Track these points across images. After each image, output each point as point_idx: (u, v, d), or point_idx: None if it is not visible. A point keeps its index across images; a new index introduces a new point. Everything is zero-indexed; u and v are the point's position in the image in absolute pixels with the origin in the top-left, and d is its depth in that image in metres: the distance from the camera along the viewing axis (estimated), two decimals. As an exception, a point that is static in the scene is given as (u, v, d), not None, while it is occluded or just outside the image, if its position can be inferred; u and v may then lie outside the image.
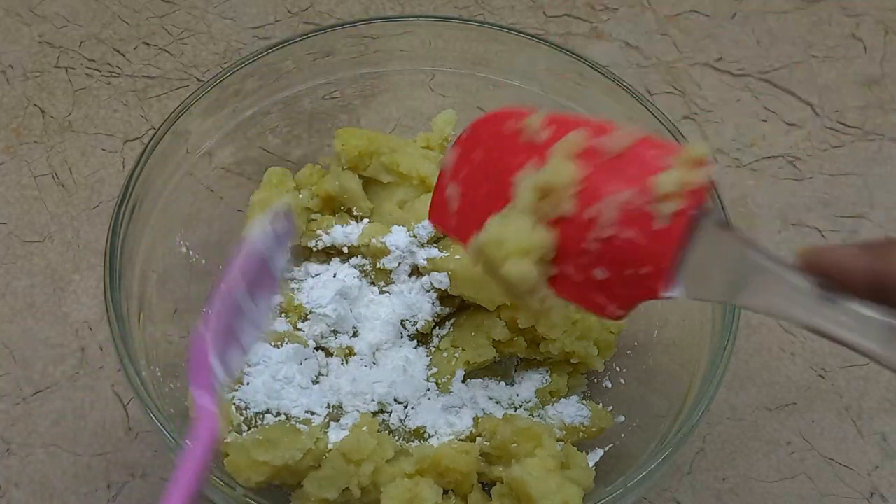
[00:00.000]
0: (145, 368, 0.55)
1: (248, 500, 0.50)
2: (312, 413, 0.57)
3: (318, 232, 0.62)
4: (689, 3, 0.83)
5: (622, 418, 0.61)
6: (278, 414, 0.57)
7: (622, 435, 0.60)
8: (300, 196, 0.63)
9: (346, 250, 0.62)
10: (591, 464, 0.58)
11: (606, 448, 0.60)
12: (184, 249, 0.62)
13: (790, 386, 0.67)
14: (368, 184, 0.64)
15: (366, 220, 0.63)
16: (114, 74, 0.78)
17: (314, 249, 0.63)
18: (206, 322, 0.47)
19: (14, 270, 0.70)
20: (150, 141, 0.58)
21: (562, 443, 0.58)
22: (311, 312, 0.61)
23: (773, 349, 0.68)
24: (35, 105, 0.77)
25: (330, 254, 0.63)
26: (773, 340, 0.69)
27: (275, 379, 0.57)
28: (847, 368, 0.68)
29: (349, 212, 0.63)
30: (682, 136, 0.59)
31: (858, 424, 0.66)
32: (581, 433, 0.59)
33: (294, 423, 0.56)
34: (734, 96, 0.78)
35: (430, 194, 0.50)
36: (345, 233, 0.62)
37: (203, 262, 0.63)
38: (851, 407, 0.67)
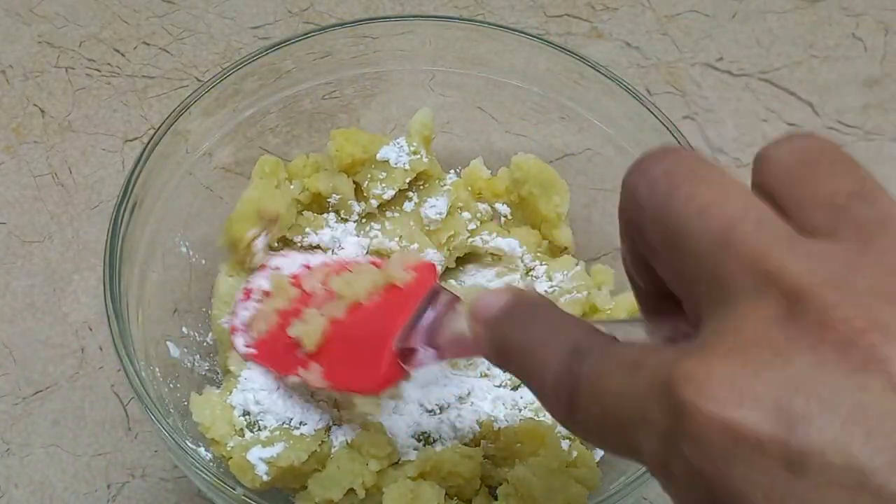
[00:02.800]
0: (145, 368, 0.55)
1: (249, 500, 0.50)
2: (315, 419, 0.57)
3: (307, 230, 0.62)
4: (689, 3, 0.83)
5: None
6: (280, 418, 0.57)
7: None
8: (291, 187, 0.62)
9: (331, 252, 0.63)
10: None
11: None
12: (184, 249, 0.62)
13: (790, 386, 0.67)
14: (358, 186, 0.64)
15: (352, 224, 0.63)
16: (114, 74, 0.78)
17: (298, 245, 0.63)
18: None
19: (14, 270, 0.70)
20: (149, 141, 0.58)
21: (568, 441, 0.58)
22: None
23: (773, 349, 0.68)
24: (35, 105, 0.77)
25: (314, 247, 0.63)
26: (773, 340, 0.68)
27: (277, 385, 0.57)
28: (847, 368, 0.68)
29: (337, 212, 0.63)
30: (683, 136, 0.59)
31: (858, 424, 0.66)
32: None
33: (297, 427, 0.56)
34: (734, 96, 0.78)
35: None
36: (333, 236, 0.62)
37: (203, 262, 0.63)
38: (851, 407, 0.67)
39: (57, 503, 0.62)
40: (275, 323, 0.57)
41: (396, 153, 0.62)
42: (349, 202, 0.62)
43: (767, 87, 0.79)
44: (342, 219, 0.63)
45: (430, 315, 0.48)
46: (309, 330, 0.54)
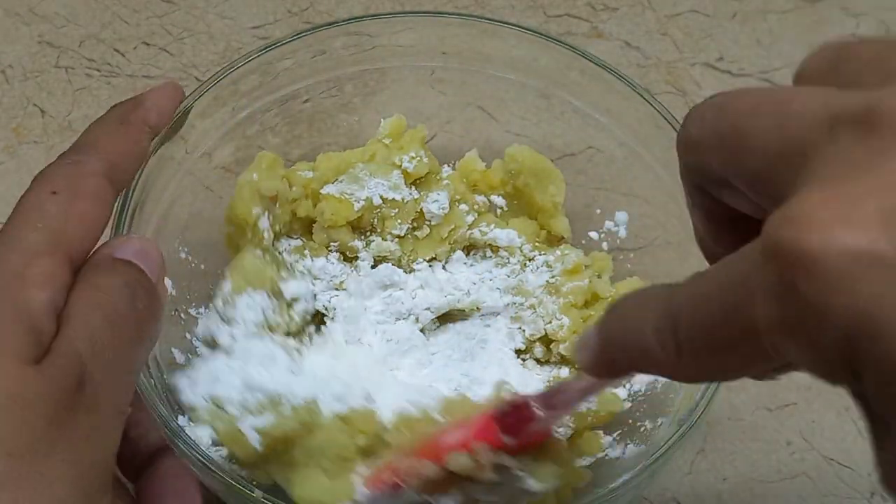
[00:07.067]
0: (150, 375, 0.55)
1: (267, 501, 0.49)
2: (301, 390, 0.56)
3: (306, 252, 0.62)
4: (689, 3, 0.83)
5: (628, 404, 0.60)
6: (268, 393, 0.56)
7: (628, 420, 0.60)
8: (293, 189, 0.62)
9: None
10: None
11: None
12: (182, 255, 0.62)
13: (790, 386, 0.67)
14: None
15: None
16: (114, 74, 0.78)
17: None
18: None
19: (13, 270, 0.70)
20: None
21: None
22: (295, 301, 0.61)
23: (774, 349, 0.68)
24: (35, 105, 0.77)
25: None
26: (774, 340, 0.68)
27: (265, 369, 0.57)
28: (848, 368, 0.68)
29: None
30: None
31: (859, 424, 0.66)
32: (590, 418, 0.59)
33: (285, 398, 0.55)
34: (734, 96, 0.78)
35: None
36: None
37: (202, 266, 0.63)
38: (851, 407, 0.67)
39: (56, 503, 0.62)
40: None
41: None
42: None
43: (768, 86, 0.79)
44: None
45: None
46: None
